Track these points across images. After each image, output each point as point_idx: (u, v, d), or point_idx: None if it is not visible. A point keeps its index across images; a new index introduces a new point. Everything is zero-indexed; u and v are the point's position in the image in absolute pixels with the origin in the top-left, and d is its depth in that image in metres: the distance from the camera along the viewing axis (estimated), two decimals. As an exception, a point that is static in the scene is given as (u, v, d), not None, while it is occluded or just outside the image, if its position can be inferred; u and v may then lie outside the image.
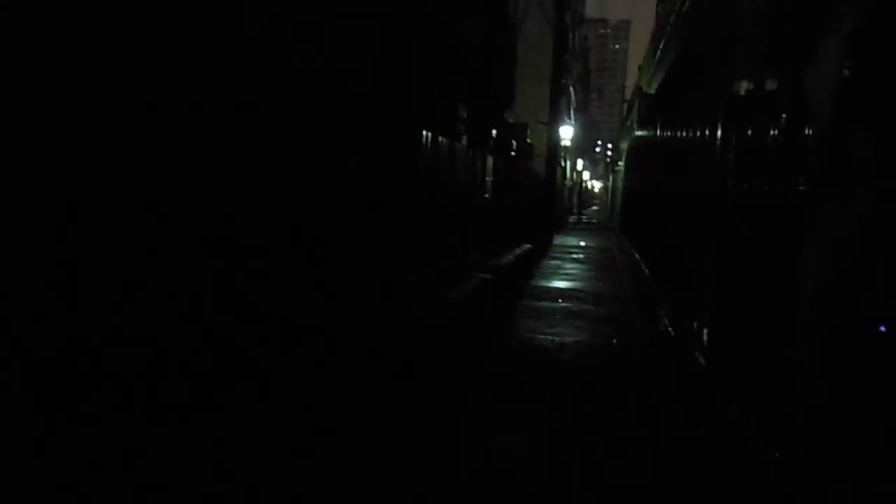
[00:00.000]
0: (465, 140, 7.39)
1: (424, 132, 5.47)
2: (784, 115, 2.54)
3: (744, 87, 3.24)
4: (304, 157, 3.09)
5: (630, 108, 23.50)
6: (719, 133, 3.70)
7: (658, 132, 8.25)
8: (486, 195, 8.68)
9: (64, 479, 1.69)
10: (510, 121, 13.14)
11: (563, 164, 23.50)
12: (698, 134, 4.53)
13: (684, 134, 5.42)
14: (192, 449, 2.16)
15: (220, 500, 2.20)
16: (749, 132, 3.07)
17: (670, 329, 5.07)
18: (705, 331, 3.75)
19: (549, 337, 5.56)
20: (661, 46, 10.03)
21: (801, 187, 2.33)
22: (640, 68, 17.95)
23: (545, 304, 7.27)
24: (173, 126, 2.15)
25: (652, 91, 10.77)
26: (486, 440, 3.23)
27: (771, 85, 2.78)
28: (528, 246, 10.86)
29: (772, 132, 2.70)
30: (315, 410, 2.93)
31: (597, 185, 62.37)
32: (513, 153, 12.40)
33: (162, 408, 2.06)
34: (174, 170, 2.16)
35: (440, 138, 6.01)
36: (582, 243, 16.72)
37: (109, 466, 1.82)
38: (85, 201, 1.81)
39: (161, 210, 2.11)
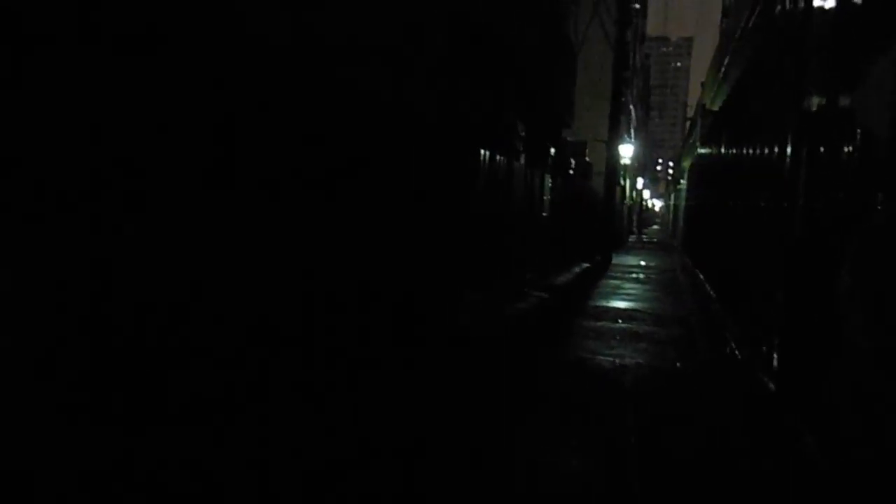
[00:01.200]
0: (522, 158, 7.37)
1: (483, 151, 5.50)
2: (859, 130, 2.42)
3: (815, 101, 3.11)
4: (374, 180, 3.16)
5: (692, 126, 22.95)
6: (789, 149, 3.56)
7: (723, 149, 8.02)
8: (544, 213, 8.62)
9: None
10: (569, 139, 13.06)
11: (622, 182, 23.12)
12: (766, 150, 4.38)
13: (751, 151, 5.25)
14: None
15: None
16: (822, 147, 2.94)
17: (737, 352, 4.87)
18: (775, 355, 3.59)
19: (609, 358, 5.43)
20: (725, 62, 9.79)
21: (878, 206, 2.21)
22: (702, 85, 17.55)
23: (604, 324, 7.12)
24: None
25: (716, 108, 10.50)
26: (542, 461, 3.17)
27: (845, 99, 2.67)
28: (587, 265, 10.71)
29: (846, 147, 2.58)
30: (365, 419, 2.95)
31: (657, 204, 61.03)
32: (571, 171, 12.30)
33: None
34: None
35: (498, 157, 6.02)
36: (642, 263, 16.34)
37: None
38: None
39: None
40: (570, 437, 3.56)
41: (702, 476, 3.14)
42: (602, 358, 5.44)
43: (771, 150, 4.15)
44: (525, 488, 2.87)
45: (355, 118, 3.01)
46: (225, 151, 2.15)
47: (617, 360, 5.37)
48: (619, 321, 7.36)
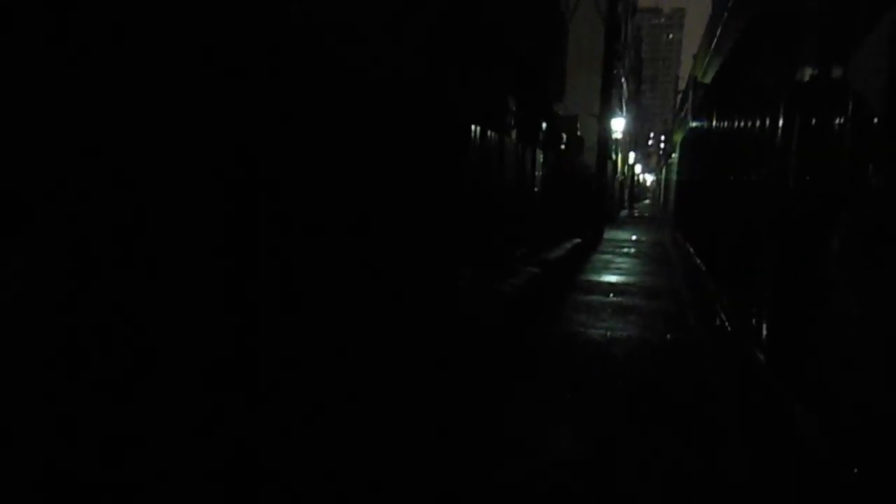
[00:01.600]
0: (514, 134, 7.34)
1: (473, 126, 5.45)
2: (852, 102, 2.42)
3: (808, 72, 3.10)
4: (360, 154, 3.12)
5: (684, 99, 22.90)
6: (781, 122, 3.56)
7: (714, 122, 8.01)
8: (536, 189, 8.60)
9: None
10: (560, 113, 13.00)
11: (613, 157, 23.09)
12: (758, 123, 4.38)
13: (743, 124, 5.24)
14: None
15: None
16: (814, 120, 2.94)
17: (727, 325, 4.92)
18: (765, 326, 3.63)
19: (601, 331, 5.48)
20: (717, 34, 9.73)
21: (870, 176, 2.22)
22: (694, 57, 17.48)
23: (596, 297, 7.17)
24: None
25: (708, 80, 10.47)
26: (534, 433, 3.20)
27: (838, 69, 2.66)
28: (578, 240, 10.73)
29: (838, 120, 2.58)
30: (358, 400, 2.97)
31: (649, 179, 61.07)
32: (563, 146, 12.26)
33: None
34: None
35: (489, 132, 5.98)
36: (633, 237, 16.40)
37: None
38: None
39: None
40: (562, 403, 3.60)
41: (690, 441, 3.18)
42: (594, 331, 5.48)
43: (763, 122, 4.15)
44: (513, 449, 2.90)
45: (342, 94, 2.97)
46: (214, 133, 2.12)
47: (608, 333, 5.42)
48: (611, 295, 7.41)
